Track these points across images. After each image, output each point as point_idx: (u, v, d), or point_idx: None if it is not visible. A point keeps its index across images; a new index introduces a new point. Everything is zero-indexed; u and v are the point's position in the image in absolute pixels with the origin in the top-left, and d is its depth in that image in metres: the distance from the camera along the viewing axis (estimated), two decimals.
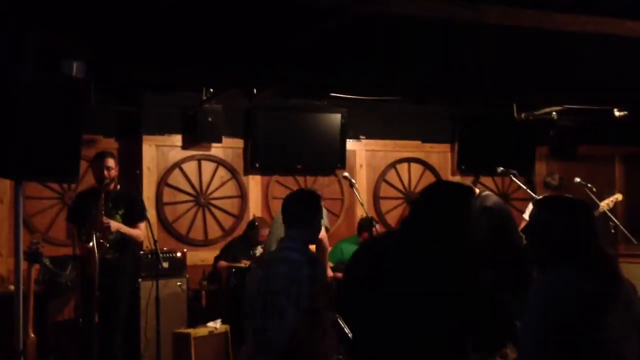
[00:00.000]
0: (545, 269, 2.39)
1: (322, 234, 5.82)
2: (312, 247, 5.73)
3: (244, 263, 6.41)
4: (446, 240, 2.52)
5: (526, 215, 6.48)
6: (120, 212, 5.29)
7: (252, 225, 6.78)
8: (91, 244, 4.87)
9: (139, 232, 5.39)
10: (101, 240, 4.97)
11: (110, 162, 5.26)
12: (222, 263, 6.66)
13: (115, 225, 5.14)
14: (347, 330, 3.73)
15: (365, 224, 6.74)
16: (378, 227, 6.11)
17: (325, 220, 5.87)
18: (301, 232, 3.28)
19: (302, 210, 3.31)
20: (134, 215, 5.36)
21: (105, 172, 5.20)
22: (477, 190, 6.00)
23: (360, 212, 7.34)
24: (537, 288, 2.35)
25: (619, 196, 6.70)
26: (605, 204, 6.47)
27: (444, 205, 2.60)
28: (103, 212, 5.06)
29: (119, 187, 5.45)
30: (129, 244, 5.36)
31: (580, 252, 2.37)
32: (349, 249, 7.00)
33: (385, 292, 2.48)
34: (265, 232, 6.67)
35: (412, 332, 2.43)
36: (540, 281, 2.37)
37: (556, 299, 2.29)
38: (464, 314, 2.41)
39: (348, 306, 2.74)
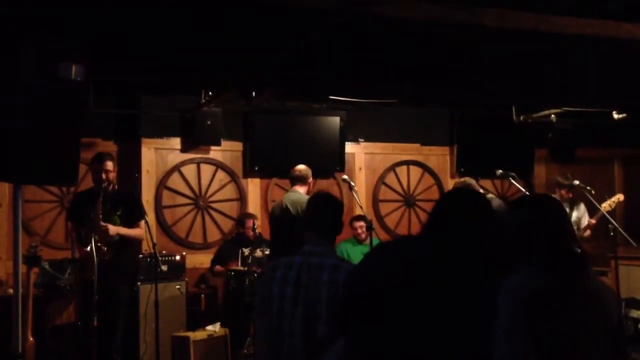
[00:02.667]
0: (511, 269, 2.39)
1: None
2: None
3: (236, 265, 6.41)
4: (471, 250, 2.49)
5: None
6: (118, 213, 5.29)
7: (239, 223, 6.83)
8: (89, 247, 4.87)
9: (139, 231, 5.38)
10: (99, 244, 4.96)
11: (109, 165, 5.26)
12: (218, 267, 6.68)
13: (113, 229, 5.13)
14: None
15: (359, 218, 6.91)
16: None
17: None
18: (334, 238, 3.26)
19: (335, 218, 3.27)
20: (133, 214, 5.36)
21: (103, 175, 5.20)
22: (481, 192, 6.03)
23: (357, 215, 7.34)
24: (503, 288, 2.34)
25: (620, 196, 6.72)
26: (607, 205, 6.47)
27: (474, 216, 2.54)
28: (101, 216, 5.06)
29: (117, 187, 5.45)
30: (127, 245, 5.36)
31: (544, 250, 2.36)
32: (350, 249, 7.02)
33: (407, 299, 2.44)
34: (249, 223, 6.69)
35: (432, 338, 2.40)
36: (505, 281, 2.36)
37: (519, 298, 2.29)
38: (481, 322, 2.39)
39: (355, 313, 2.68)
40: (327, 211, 3.28)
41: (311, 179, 5.93)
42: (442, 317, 2.39)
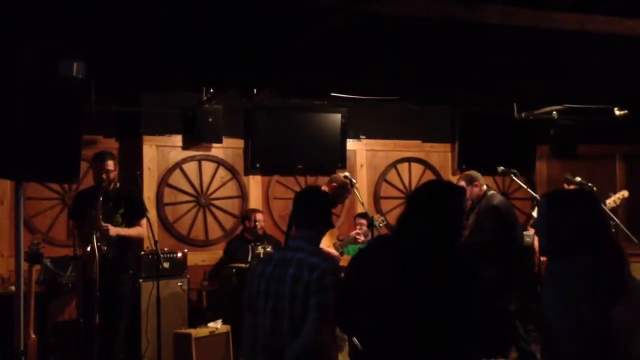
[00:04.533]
0: (556, 261, 2.50)
1: None
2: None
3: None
4: (444, 241, 2.52)
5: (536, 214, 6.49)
6: (120, 211, 5.30)
7: (245, 218, 6.82)
8: (90, 247, 4.88)
9: (140, 229, 5.39)
10: (99, 244, 4.96)
11: (110, 165, 5.26)
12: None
13: (114, 230, 5.14)
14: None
15: (363, 216, 6.86)
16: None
17: None
18: (317, 233, 3.22)
19: (319, 212, 3.23)
20: (134, 212, 5.37)
21: (104, 175, 5.20)
22: (485, 188, 6.05)
23: (360, 212, 7.34)
24: (551, 279, 2.46)
25: (625, 193, 6.73)
26: (612, 201, 6.48)
27: (439, 207, 2.59)
28: (101, 217, 5.05)
29: (118, 185, 5.46)
30: (128, 242, 5.37)
31: (591, 242, 2.45)
32: (350, 247, 7.01)
33: (393, 299, 2.46)
34: (259, 216, 6.71)
35: (422, 336, 2.42)
36: (552, 272, 2.48)
37: (567, 286, 2.38)
38: (472, 316, 2.41)
39: (351, 314, 2.69)
40: (311, 205, 3.24)
41: (336, 186, 5.93)
42: (429, 311, 2.41)
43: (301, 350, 2.94)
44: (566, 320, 2.34)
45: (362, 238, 6.55)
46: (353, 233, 6.41)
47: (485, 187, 6.02)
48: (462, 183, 5.85)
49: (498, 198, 6.01)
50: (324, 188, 5.98)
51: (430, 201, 2.62)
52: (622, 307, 2.35)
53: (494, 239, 5.60)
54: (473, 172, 6.02)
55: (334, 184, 5.93)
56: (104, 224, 5.05)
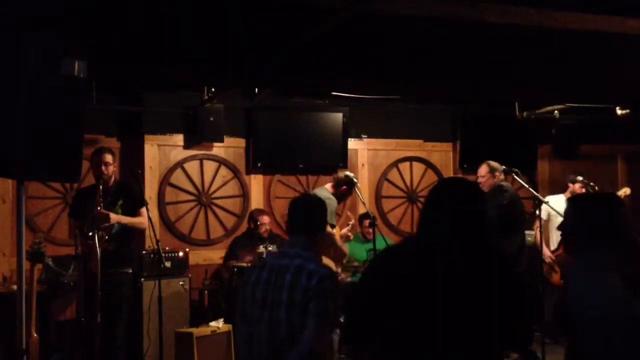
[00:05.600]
0: (581, 255, 2.65)
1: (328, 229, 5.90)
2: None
3: (247, 261, 6.42)
4: (465, 240, 2.48)
5: (543, 215, 6.50)
6: (119, 202, 5.31)
7: (249, 219, 6.84)
8: (91, 242, 4.88)
9: (141, 218, 5.39)
10: (101, 233, 4.97)
11: (108, 158, 5.28)
12: (232, 263, 6.67)
13: (115, 217, 5.15)
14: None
15: (366, 216, 6.85)
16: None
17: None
18: (311, 239, 3.22)
19: (311, 218, 3.24)
20: (133, 202, 5.37)
21: (103, 168, 5.22)
22: (502, 177, 6.16)
23: (362, 211, 7.35)
24: (576, 272, 2.62)
25: (627, 190, 6.75)
26: None
27: (465, 203, 2.55)
28: (102, 206, 5.07)
29: (117, 180, 5.47)
30: (129, 235, 5.38)
31: (614, 239, 2.60)
32: (355, 247, 7.02)
33: (416, 302, 2.42)
34: (264, 219, 6.72)
35: (449, 339, 2.39)
36: (577, 265, 2.65)
37: (593, 280, 2.51)
38: (500, 315, 2.38)
39: (366, 322, 2.64)
40: (302, 212, 3.25)
41: (346, 189, 5.93)
42: (464, 309, 2.38)
43: (300, 357, 2.92)
44: (592, 313, 2.43)
45: (351, 235, 6.61)
46: (344, 230, 6.47)
47: (502, 177, 6.14)
48: (485, 169, 5.96)
49: (506, 183, 6.16)
50: (330, 186, 6.00)
51: (446, 201, 2.57)
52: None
53: (498, 219, 5.64)
54: (497, 164, 6.11)
55: (344, 187, 5.97)
56: (104, 211, 5.05)
